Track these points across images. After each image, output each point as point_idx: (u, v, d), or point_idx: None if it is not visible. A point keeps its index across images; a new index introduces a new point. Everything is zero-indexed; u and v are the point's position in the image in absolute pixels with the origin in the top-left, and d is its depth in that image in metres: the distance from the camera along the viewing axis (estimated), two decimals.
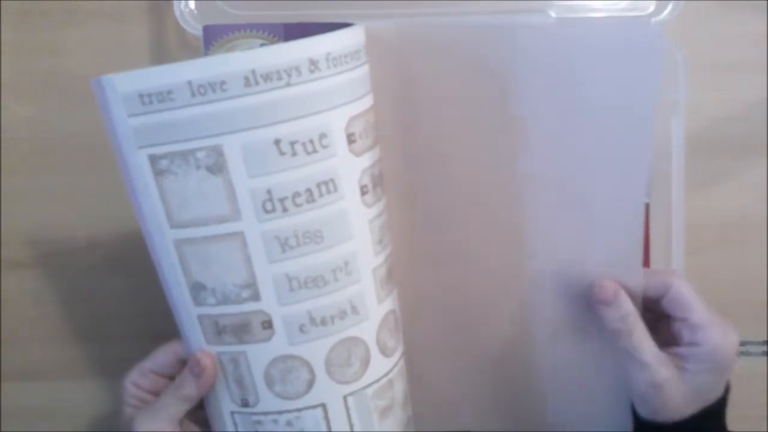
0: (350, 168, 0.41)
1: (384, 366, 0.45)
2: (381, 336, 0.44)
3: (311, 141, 0.40)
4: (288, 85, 0.39)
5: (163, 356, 0.45)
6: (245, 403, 0.43)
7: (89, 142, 0.56)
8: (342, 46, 0.40)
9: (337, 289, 0.42)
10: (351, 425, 0.44)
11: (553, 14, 0.52)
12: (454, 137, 0.52)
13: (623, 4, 0.52)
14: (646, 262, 0.54)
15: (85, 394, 0.60)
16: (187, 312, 0.42)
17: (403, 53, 0.51)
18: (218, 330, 0.42)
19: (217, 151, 0.39)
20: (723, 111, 0.57)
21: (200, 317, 0.42)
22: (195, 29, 0.51)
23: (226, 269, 0.41)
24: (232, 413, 0.44)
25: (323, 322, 0.42)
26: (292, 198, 0.40)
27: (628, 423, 0.50)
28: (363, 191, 0.42)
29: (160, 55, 0.56)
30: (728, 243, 0.58)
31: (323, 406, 0.43)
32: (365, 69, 0.43)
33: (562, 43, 0.50)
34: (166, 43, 0.56)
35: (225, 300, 0.41)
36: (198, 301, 0.42)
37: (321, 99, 0.40)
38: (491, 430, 0.54)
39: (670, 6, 0.51)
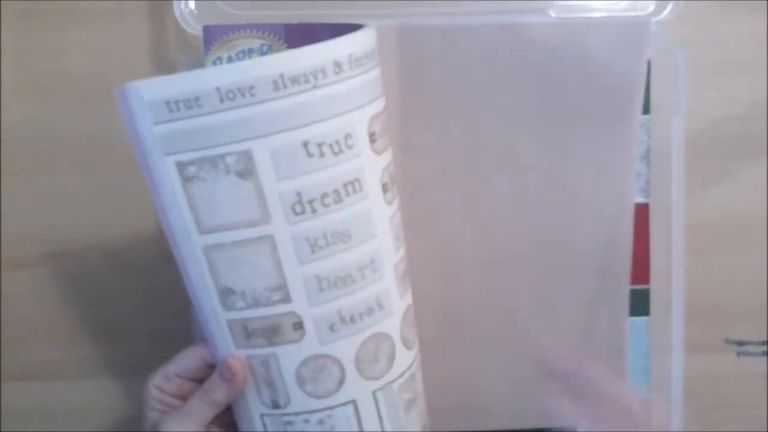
0: (373, 167, 0.42)
1: (407, 359, 0.45)
2: (403, 330, 0.45)
3: (337, 142, 0.40)
4: (315, 87, 0.39)
5: (190, 360, 0.45)
6: (276, 405, 0.43)
7: (90, 142, 0.56)
8: (362, 47, 0.41)
9: (364, 287, 0.42)
10: (381, 420, 0.44)
11: (553, 14, 0.52)
12: (454, 136, 0.52)
13: (623, 4, 0.52)
14: (646, 262, 0.54)
15: (85, 394, 0.60)
16: (216, 317, 0.42)
17: (403, 53, 0.51)
18: (248, 333, 0.42)
19: (247, 156, 0.39)
20: (723, 111, 0.57)
21: (229, 322, 0.42)
22: (195, 29, 0.51)
23: (256, 273, 0.41)
24: (262, 416, 0.44)
25: (352, 320, 0.42)
26: (321, 199, 0.40)
27: None
28: (384, 189, 0.43)
29: (160, 55, 0.56)
30: (728, 243, 0.58)
31: (354, 402, 0.43)
32: (379, 70, 0.43)
33: (562, 43, 0.50)
34: (166, 43, 0.55)
35: (255, 303, 0.41)
36: (227, 306, 0.42)
37: (346, 100, 0.40)
38: (490, 429, 0.54)
39: (670, 6, 0.51)
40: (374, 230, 0.42)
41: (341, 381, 0.43)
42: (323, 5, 0.52)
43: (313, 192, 0.40)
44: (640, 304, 0.55)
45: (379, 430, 0.44)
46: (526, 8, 0.53)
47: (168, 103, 0.38)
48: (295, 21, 0.50)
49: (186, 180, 0.39)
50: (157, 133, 0.39)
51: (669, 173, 0.53)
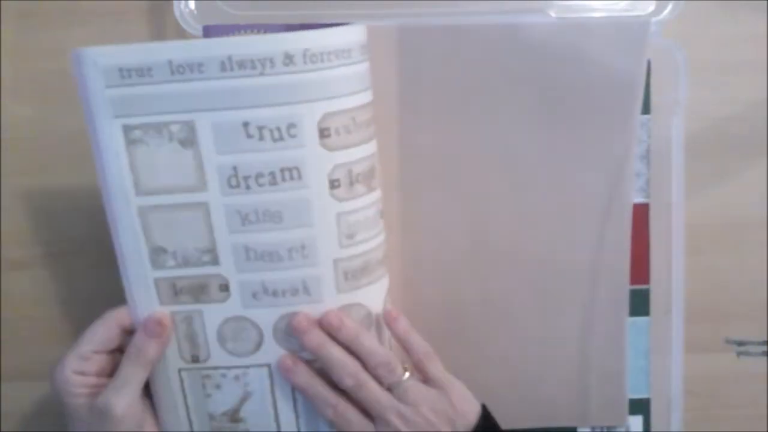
0: (319, 161, 0.43)
1: None
2: None
3: (278, 129, 0.42)
4: (261, 74, 0.41)
5: (104, 331, 0.45)
6: (195, 359, 0.47)
7: (89, 142, 0.56)
8: (323, 44, 0.42)
9: (291, 268, 0.45)
10: (293, 388, 0.47)
11: (553, 14, 0.52)
12: (454, 136, 0.52)
13: (623, 4, 0.52)
14: (646, 262, 0.54)
15: None
16: (143, 276, 0.45)
17: (403, 53, 0.51)
18: (176, 291, 0.45)
19: (190, 127, 0.42)
20: (723, 111, 0.57)
21: (157, 280, 0.45)
22: (195, 29, 0.51)
23: (189, 234, 0.44)
24: (180, 370, 0.47)
25: (275, 294, 0.45)
26: (256, 178, 0.43)
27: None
28: (333, 185, 0.44)
29: None
30: (728, 243, 0.58)
31: (269, 366, 0.47)
32: (356, 68, 0.43)
33: (562, 43, 0.50)
34: None
35: (185, 263, 0.45)
36: (157, 264, 0.45)
37: (293, 91, 0.42)
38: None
39: (670, 6, 0.51)
40: (311, 220, 0.44)
41: (258, 344, 0.46)
42: (323, 5, 0.52)
43: (248, 170, 0.43)
44: (640, 304, 0.55)
45: (290, 396, 0.47)
46: (526, 8, 0.53)
47: (121, 69, 0.41)
48: (295, 21, 0.50)
49: (130, 143, 0.43)
50: (108, 96, 0.42)
51: (669, 173, 0.53)
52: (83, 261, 0.58)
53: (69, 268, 0.58)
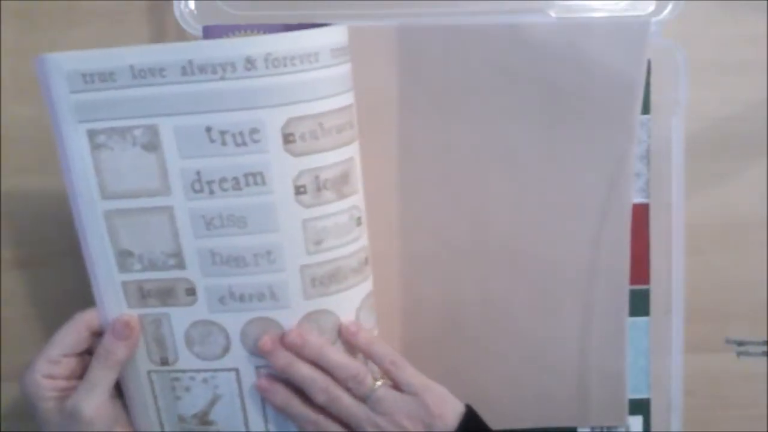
0: (283, 166, 0.43)
1: None
2: (304, 328, 0.46)
3: (241, 134, 0.42)
4: (222, 78, 0.41)
5: (74, 334, 0.45)
6: (164, 362, 0.47)
7: None
8: (286, 48, 0.41)
9: (257, 273, 0.45)
10: None
11: (553, 14, 0.52)
12: (454, 136, 0.52)
13: (623, 4, 0.52)
14: (646, 262, 0.54)
15: None
16: (111, 279, 0.45)
17: (403, 53, 0.51)
18: (143, 294, 0.46)
19: (153, 131, 0.43)
20: (723, 111, 0.57)
21: (124, 283, 0.45)
22: (195, 29, 0.51)
23: (154, 238, 0.44)
24: (149, 372, 0.47)
25: (241, 299, 0.45)
26: (219, 183, 0.43)
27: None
28: (299, 191, 0.44)
29: None
30: (728, 243, 0.58)
31: (237, 371, 0.47)
32: (324, 72, 0.43)
33: (562, 43, 0.50)
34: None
35: (152, 266, 0.45)
36: (124, 268, 0.45)
37: (255, 96, 0.42)
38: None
39: (670, 6, 0.51)
40: (275, 225, 0.44)
41: (226, 348, 0.47)
42: (323, 5, 0.52)
43: (212, 174, 0.43)
44: (640, 304, 0.55)
45: (259, 400, 0.48)
46: (526, 8, 0.53)
47: (84, 75, 0.42)
48: (295, 21, 0.50)
49: (95, 147, 0.43)
50: (73, 101, 0.42)
51: (669, 173, 0.53)
52: (83, 261, 0.58)
53: (69, 268, 0.58)
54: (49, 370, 0.45)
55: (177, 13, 0.51)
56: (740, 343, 0.58)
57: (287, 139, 0.43)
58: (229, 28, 0.50)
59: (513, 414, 0.51)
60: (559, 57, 0.51)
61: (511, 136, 0.52)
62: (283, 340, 0.45)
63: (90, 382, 0.44)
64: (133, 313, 0.46)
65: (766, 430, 0.59)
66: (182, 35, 0.53)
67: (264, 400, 0.47)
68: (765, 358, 0.59)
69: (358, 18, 0.52)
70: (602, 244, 0.53)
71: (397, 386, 0.47)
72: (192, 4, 0.52)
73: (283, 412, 0.47)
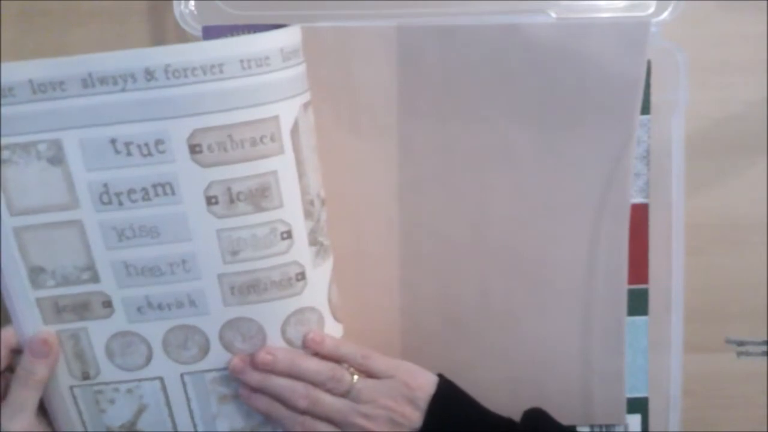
0: (192, 177, 0.43)
1: (226, 360, 0.47)
2: (226, 334, 0.47)
3: (146, 144, 0.42)
4: (123, 90, 0.41)
5: None
6: (86, 376, 0.47)
7: None
8: (187, 59, 0.41)
9: (174, 282, 0.45)
10: (188, 400, 0.48)
11: (553, 14, 0.52)
12: (453, 136, 0.52)
13: (623, 4, 0.52)
14: (645, 262, 0.54)
15: None
16: (24, 296, 0.45)
17: (403, 53, 0.51)
18: (58, 309, 0.46)
19: (57, 145, 0.42)
20: (723, 111, 0.57)
21: (39, 299, 0.45)
22: (195, 29, 0.51)
23: (66, 253, 0.44)
24: (72, 387, 0.47)
25: (160, 307, 0.46)
26: (128, 194, 0.43)
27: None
28: (210, 201, 0.43)
29: None
30: (728, 243, 0.58)
31: (161, 379, 0.48)
32: (232, 83, 0.42)
33: (562, 44, 0.50)
34: (166, 44, 0.55)
35: (65, 281, 0.45)
36: (37, 284, 0.45)
37: (157, 107, 0.42)
38: None
39: (670, 7, 0.51)
40: (188, 235, 0.44)
41: (149, 358, 0.47)
42: (323, 5, 0.52)
43: (120, 186, 0.43)
44: (639, 304, 0.55)
45: (186, 408, 0.48)
46: (526, 8, 0.52)
47: None
48: (295, 21, 0.50)
49: (0, 163, 0.43)
50: None
51: (669, 173, 0.53)
52: None
53: None
54: None
55: (177, 14, 0.51)
56: (740, 343, 0.58)
57: (194, 149, 0.42)
58: (228, 28, 0.50)
59: (511, 413, 0.51)
60: (559, 57, 0.51)
61: (510, 135, 0.52)
62: (253, 361, 0.46)
63: (13, 405, 0.44)
64: (50, 330, 0.46)
65: (766, 430, 0.59)
66: (182, 35, 0.53)
67: (191, 407, 0.48)
68: (765, 358, 0.59)
69: (358, 18, 0.52)
70: (601, 243, 0.53)
71: (371, 375, 0.48)
72: (192, 5, 0.52)
73: (268, 416, 0.47)
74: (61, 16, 0.56)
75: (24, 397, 0.44)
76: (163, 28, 0.56)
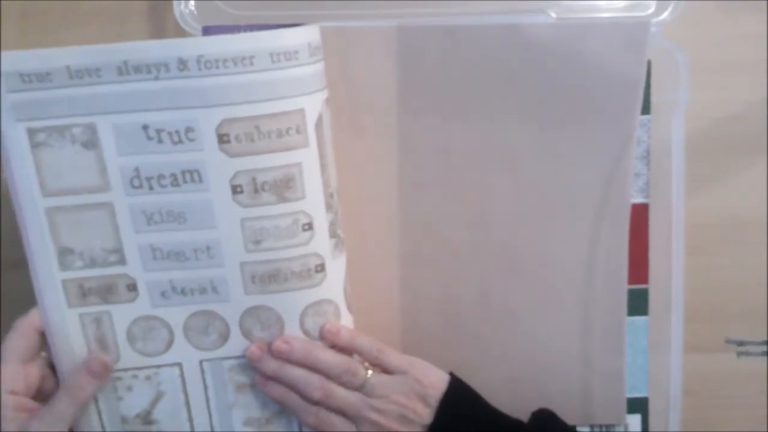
0: (219, 165, 0.44)
1: (244, 347, 0.48)
2: (246, 322, 0.47)
3: (177, 132, 0.43)
4: (156, 78, 0.42)
5: (25, 341, 0.46)
6: None
7: None
8: (219, 50, 0.42)
9: (198, 267, 0.46)
10: (205, 388, 0.48)
11: (553, 14, 0.52)
12: (453, 136, 0.52)
13: (623, 4, 0.52)
14: (645, 262, 0.54)
15: None
16: (51, 277, 0.46)
17: (403, 53, 0.51)
18: (83, 292, 0.46)
19: (91, 129, 0.44)
20: (723, 111, 0.57)
21: (64, 282, 0.46)
22: (195, 29, 0.51)
23: (95, 235, 0.45)
24: None
25: (183, 292, 0.47)
26: (158, 179, 0.44)
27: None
28: (235, 190, 0.44)
29: None
30: (728, 243, 0.58)
31: (180, 365, 0.48)
32: (261, 76, 0.43)
33: (562, 44, 0.50)
34: None
35: (92, 263, 0.46)
36: (65, 265, 0.46)
37: (189, 96, 0.43)
38: None
39: (670, 7, 0.51)
40: (213, 222, 0.45)
41: (169, 343, 0.48)
42: (323, 5, 0.52)
43: (150, 171, 0.44)
44: (639, 304, 0.55)
45: (203, 395, 0.49)
46: (526, 8, 0.53)
47: (21, 75, 0.43)
48: (295, 21, 0.50)
49: (35, 146, 0.44)
50: (10, 100, 0.43)
51: (669, 173, 0.53)
52: None
53: None
54: (12, 384, 0.44)
55: (177, 13, 0.51)
56: (740, 343, 0.58)
57: (222, 139, 0.43)
58: (229, 28, 0.50)
59: (511, 413, 0.51)
60: (559, 57, 0.51)
61: (510, 135, 0.52)
62: (270, 349, 0.47)
63: (55, 414, 0.44)
64: (72, 312, 0.46)
65: (766, 430, 0.59)
66: (182, 35, 0.53)
67: (208, 395, 0.48)
68: (765, 358, 0.59)
69: (358, 18, 0.52)
70: (601, 243, 0.53)
71: (385, 370, 0.48)
72: (192, 4, 0.52)
73: (283, 404, 0.47)
74: (61, 16, 0.56)
75: (67, 410, 0.45)
76: (163, 28, 0.56)
